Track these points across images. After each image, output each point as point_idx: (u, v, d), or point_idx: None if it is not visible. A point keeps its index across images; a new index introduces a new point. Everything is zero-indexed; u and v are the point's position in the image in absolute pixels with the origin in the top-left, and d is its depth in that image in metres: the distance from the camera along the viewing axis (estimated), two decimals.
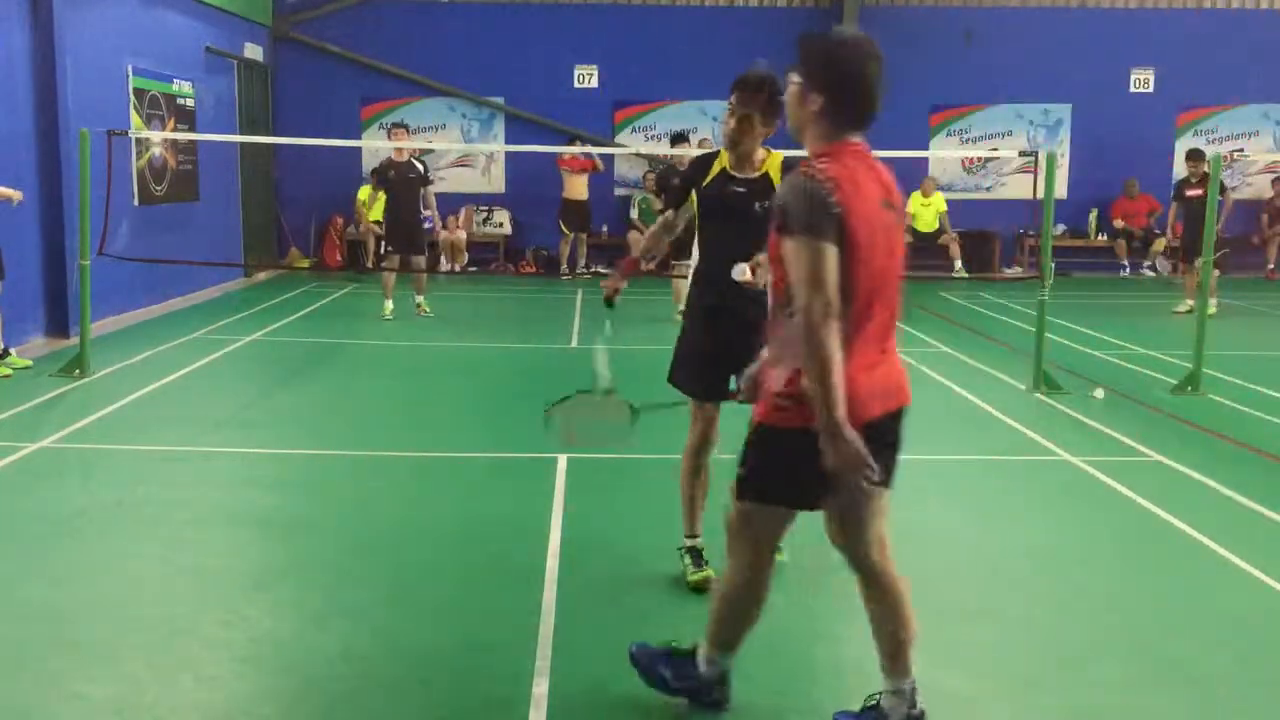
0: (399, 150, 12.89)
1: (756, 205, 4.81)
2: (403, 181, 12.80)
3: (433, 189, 13.83)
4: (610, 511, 6.05)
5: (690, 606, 4.83)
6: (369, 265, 17.28)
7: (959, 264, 17.83)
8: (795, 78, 3.53)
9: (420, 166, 13.12)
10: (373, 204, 14.65)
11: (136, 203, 13.18)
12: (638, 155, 18.31)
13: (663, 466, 6.82)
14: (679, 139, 14.63)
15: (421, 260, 13.26)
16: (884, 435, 3.44)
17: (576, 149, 16.27)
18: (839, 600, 4.97)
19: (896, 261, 3.47)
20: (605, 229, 18.50)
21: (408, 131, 13.58)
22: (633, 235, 17.34)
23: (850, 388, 3.24)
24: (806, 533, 5.78)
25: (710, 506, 5.19)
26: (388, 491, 6.57)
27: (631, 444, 6.43)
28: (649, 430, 7.45)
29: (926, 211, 18.20)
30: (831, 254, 3.21)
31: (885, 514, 3.65)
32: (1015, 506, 6.45)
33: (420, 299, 13.33)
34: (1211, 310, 12.44)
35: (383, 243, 14.06)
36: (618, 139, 18.57)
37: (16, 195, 9.54)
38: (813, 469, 3.29)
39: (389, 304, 13.07)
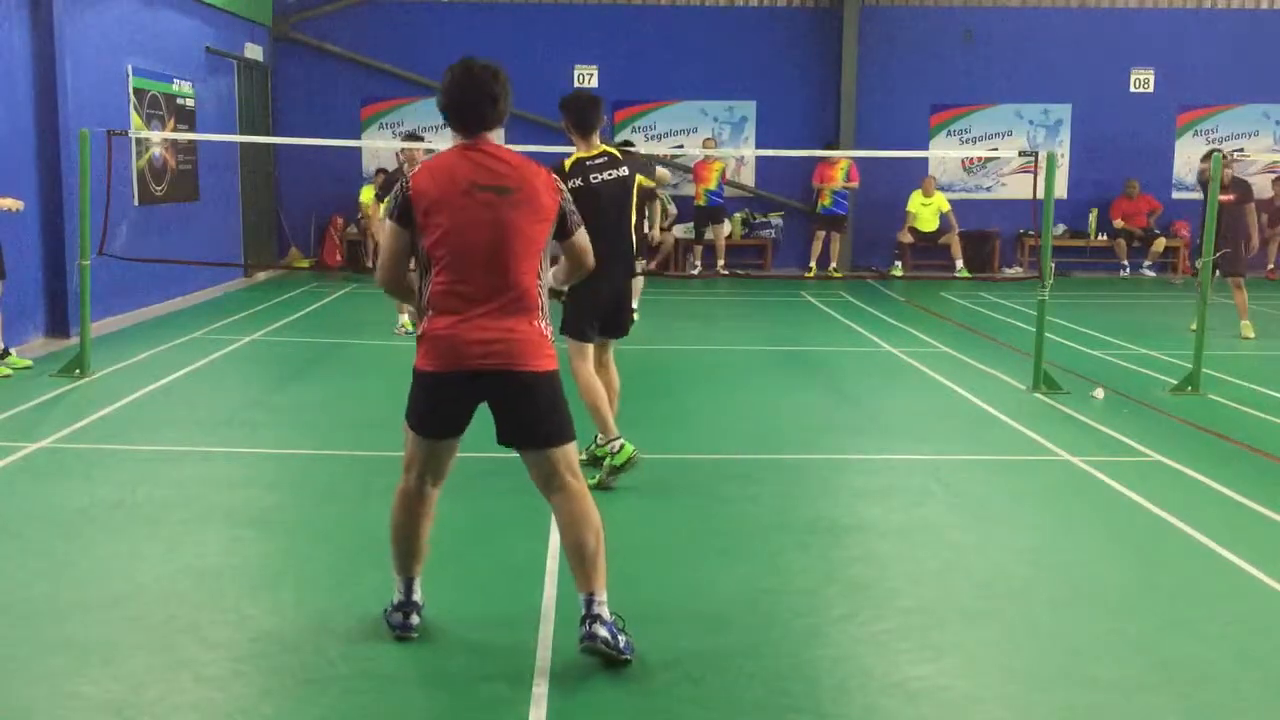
0: (411, 159, 11.87)
1: None
2: None
3: None
4: (610, 510, 6.03)
5: (694, 604, 4.84)
6: (369, 265, 17.26)
7: (960, 263, 17.84)
8: None
9: None
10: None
11: (136, 203, 13.18)
12: (638, 155, 18.31)
13: (661, 466, 6.83)
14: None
15: None
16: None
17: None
18: (838, 602, 4.97)
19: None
20: None
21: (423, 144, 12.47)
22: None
23: None
24: (804, 532, 5.79)
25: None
26: (388, 491, 6.54)
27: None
28: (646, 430, 7.47)
29: (927, 210, 18.20)
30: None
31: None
32: (1015, 506, 6.45)
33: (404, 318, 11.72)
34: (1249, 334, 12.26)
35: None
36: (618, 139, 18.57)
37: (18, 205, 9.54)
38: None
39: (404, 316, 11.65)
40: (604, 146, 6.52)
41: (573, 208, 4.43)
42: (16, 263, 10.07)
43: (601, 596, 4.21)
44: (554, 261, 4.63)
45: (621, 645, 4.17)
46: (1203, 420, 8.30)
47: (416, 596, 4.51)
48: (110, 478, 6.61)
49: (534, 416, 4.25)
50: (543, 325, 4.26)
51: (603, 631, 4.14)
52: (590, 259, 4.56)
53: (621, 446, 6.42)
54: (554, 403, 4.28)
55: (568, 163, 6.38)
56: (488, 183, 4.16)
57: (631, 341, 7.58)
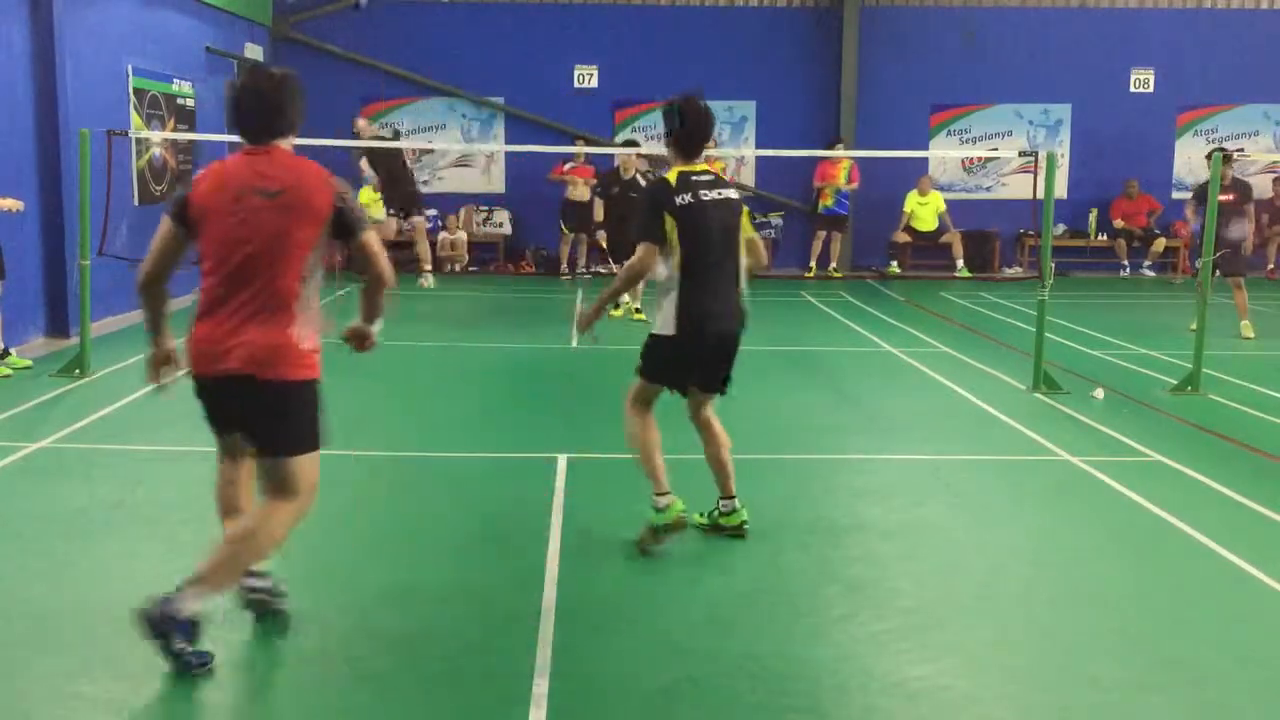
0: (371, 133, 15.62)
1: None
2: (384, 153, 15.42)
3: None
4: (610, 511, 6.04)
5: (694, 604, 4.84)
6: None
7: (960, 262, 17.84)
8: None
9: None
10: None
11: (136, 203, 13.17)
12: (639, 155, 18.28)
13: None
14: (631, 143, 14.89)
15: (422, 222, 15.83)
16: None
17: (581, 148, 16.24)
18: (838, 602, 4.97)
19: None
20: None
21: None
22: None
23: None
24: (804, 532, 5.79)
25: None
26: (387, 492, 6.58)
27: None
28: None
29: (924, 210, 18.21)
30: None
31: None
32: (1015, 506, 6.45)
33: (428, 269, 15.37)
34: (1249, 334, 12.27)
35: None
36: (619, 139, 18.55)
37: (18, 205, 9.54)
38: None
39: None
40: (706, 165, 5.65)
41: (355, 206, 4.24)
42: (16, 263, 10.07)
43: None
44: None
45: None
46: (1203, 420, 8.30)
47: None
48: (110, 478, 6.62)
49: (271, 423, 4.15)
50: (299, 332, 4.14)
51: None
52: (386, 272, 4.30)
53: (669, 505, 5.47)
54: (298, 411, 4.17)
55: (672, 176, 5.48)
56: (257, 186, 4.11)
57: (630, 340, 7.56)
